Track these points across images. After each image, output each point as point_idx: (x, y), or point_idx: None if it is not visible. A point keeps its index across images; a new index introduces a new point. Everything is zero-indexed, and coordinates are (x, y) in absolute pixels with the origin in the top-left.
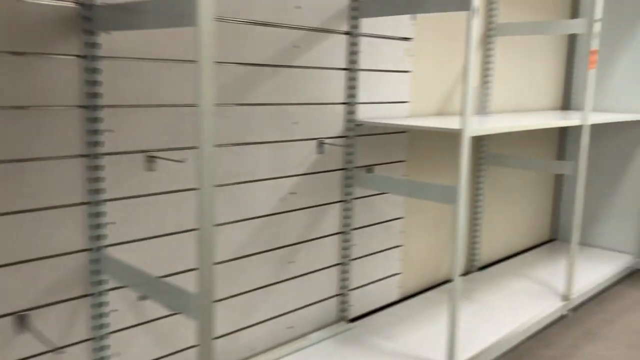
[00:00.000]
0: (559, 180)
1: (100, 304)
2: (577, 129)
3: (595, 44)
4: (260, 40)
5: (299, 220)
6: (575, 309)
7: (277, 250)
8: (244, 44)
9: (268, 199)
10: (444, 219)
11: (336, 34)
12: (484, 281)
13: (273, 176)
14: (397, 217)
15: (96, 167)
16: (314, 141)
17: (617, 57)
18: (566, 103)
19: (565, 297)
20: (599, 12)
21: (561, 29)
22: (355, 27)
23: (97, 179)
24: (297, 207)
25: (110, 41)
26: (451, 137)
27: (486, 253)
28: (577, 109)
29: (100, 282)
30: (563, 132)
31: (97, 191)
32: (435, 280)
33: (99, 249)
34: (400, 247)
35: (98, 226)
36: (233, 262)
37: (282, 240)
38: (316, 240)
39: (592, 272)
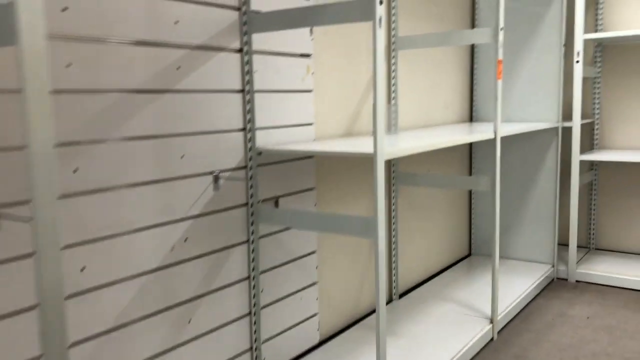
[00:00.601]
0: (469, 195)
1: None
2: (484, 141)
3: (501, 54)
4: (132, 62)
5: (196, 270)
6: (501, 329)
7: (172, 309)
8: (112, 67)
9: (155, 250)
10: (359, 246)
11: (226, 52)
12: (406, 310)
13: (160, 222)
14: (310, 251)
15: None
16: (208, 176)
17: (514, 67)
18: (470, 115)
19: (491, 320)
20: (502, 21)
21: (465, 40)
22: (247, 43)
23: None
24: (193, 255)
25: None
26: (362, 160)
27: (405, 278)
28: (481, 121)
29: None
30: (470, 145)
31: None
32: (356, 314)
33: None
34: (316, 285)
35: None
36: (115, 332)
37: (176, 297)
38: (219, 291)
39: (512, 287)
